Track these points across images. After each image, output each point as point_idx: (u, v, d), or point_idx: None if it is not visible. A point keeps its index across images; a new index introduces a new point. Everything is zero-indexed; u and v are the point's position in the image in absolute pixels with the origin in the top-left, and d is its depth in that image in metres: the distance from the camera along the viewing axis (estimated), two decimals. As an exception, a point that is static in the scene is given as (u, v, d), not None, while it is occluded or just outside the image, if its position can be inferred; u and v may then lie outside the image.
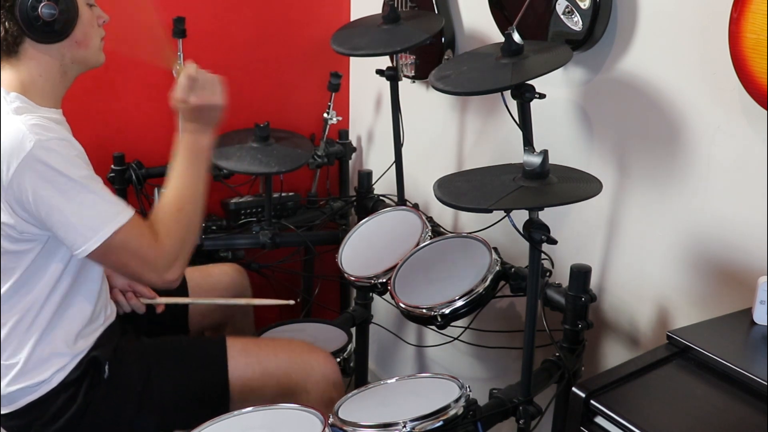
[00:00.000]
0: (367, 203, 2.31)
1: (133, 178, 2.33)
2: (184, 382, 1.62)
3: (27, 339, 1.50)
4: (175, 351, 1.68)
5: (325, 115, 2.49)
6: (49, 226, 1.41)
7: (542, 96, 1.56)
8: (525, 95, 1.55)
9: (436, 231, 1.99)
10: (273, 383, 1.64)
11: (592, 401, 1.20)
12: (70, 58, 1.51)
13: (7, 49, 1.47)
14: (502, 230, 1.73)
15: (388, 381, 1.62)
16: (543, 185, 1.37)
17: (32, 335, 1.50)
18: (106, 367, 1.56)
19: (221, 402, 1.61)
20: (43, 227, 1.42)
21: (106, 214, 1.42)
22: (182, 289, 1.90)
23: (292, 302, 1.82)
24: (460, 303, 1.63)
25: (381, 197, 2.31)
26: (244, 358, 1.65)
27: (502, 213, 1.41)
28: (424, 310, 1.65)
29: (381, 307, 2.44)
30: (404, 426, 1.38)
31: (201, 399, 1.59)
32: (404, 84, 2.22)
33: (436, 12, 2.12)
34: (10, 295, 1.48)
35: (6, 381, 1.50)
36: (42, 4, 1.42)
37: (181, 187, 1.56)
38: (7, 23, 1.44)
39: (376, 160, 2.65)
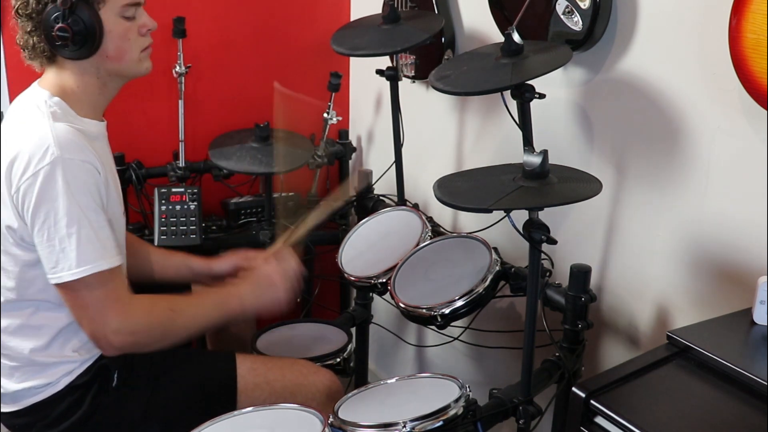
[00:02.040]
0: (367, 203, 2.31)
1: (133, 178, 2.34)
2: (191, 396, 1.62)
3: (37, 340, 1.50)
4: (184, 364, 1.67)
5: (325, 115, 2.49)
6: (36, 243, 1.40)
7: (542, 96, 1.56)
8: (525, 95, 1.55)
9: (436, 231, 1.99)
10: (279, 403, 1.64)
11: (592, 401, 1.20)
12: (105, 71, 1.51)
13: (45, 58, 1.49)
14: (502, 230, 1.73)
15: (388, 381, 1.62)
16: (543, 185, 1.37)
17: (42, 337, 1.50)
18: (115, 375, 1.56)
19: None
20: (32, 241, 1.41)
21: (94, 252, 1.39)
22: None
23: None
24: (460, 303, 1.63)
25: (381, 197, 2.31)
26: (253, 378, 1.65)
27: (502, 213, 1.41)
28: (424, 310, 1.65)
29: (381, 307, 2.43)
30: (404, 426, 1.38)
31: (208, 412, 1.58)
32: (404, 84, 2.22)
33: (436, 12, 2.12)
34: (18, 299, 1.48)
35: (13, 379, 1.51)
36: (56, 27, 1.42)
37: (189, 305, 1.57)
38: (36, 37, 1.46)
39: (376, 160, 2.65)
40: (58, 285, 1.41)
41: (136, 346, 1.48)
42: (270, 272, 1.66)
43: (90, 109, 1.52)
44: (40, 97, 1.47)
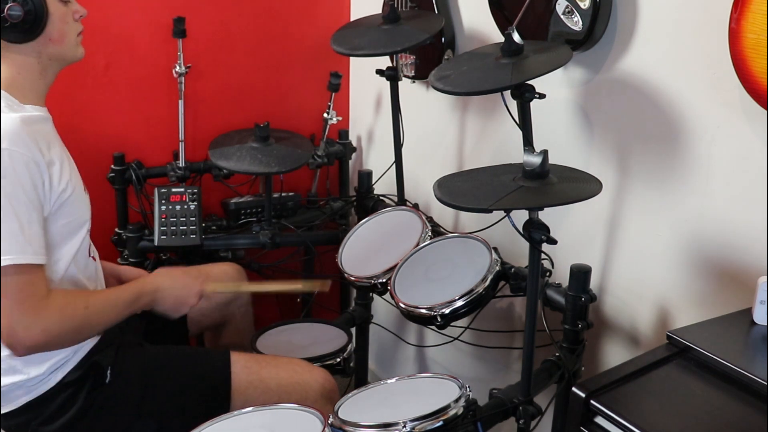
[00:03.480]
0: (367, 203, 2.31)
1: (133, 178, 2.34)
2: (185, 393, 1.62)
3: None
4: (178, 360, 1.67)
5: (325, 115, 2.49)
6: None
7: (542, 96, 1.56)
8: (525, 95, 1.55)
9: (436, 231, 1.99)
10: (273, 401, 1.64)
11: (592, 401, 1.20)
12: (47, 56, 1.51)
13: None
14: (502, 230, 1.73)
15: (388, 381, 1.62)
16: (543, 185, 1.37)
17: None
18: (108, 371, 1.56)
19: (221, 413, 1.61)
20: None
21: (16, 244, 1.38)
22: None
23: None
24: (460, 303, 1.63)
25: (381, 197, 2.31)
26: (247, 376, 1.65)
27: (502, 213, 1.41)
28: (424, 310, 1.65)
29: (381, 307, 2.44)
30: (404, 426, 1.38)
31: (202, 409, 1.58)
32: (404, 84, 2.22)
33: (436, 12, 2.12)
34: None
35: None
36: (7, 6, 1.42)
37: (105, 302, 1.55)
38: None
39: (376, 160, 2.65)
40: None
41: (47, 346, 1.45)
42: (191, 284, 1.71)
43: (32, 95, 1.52)
44: None
